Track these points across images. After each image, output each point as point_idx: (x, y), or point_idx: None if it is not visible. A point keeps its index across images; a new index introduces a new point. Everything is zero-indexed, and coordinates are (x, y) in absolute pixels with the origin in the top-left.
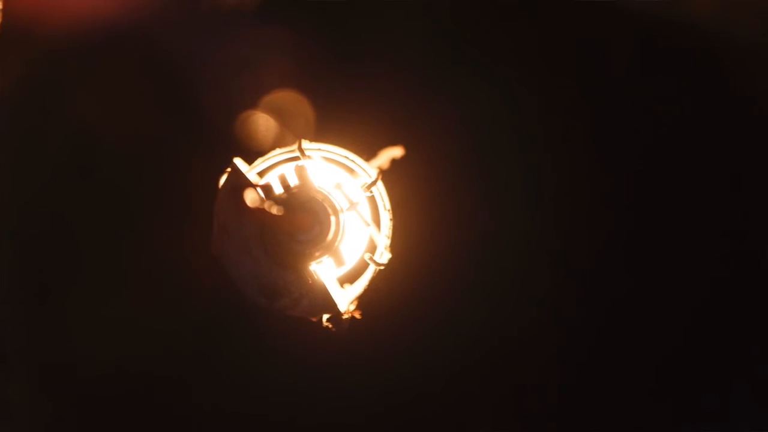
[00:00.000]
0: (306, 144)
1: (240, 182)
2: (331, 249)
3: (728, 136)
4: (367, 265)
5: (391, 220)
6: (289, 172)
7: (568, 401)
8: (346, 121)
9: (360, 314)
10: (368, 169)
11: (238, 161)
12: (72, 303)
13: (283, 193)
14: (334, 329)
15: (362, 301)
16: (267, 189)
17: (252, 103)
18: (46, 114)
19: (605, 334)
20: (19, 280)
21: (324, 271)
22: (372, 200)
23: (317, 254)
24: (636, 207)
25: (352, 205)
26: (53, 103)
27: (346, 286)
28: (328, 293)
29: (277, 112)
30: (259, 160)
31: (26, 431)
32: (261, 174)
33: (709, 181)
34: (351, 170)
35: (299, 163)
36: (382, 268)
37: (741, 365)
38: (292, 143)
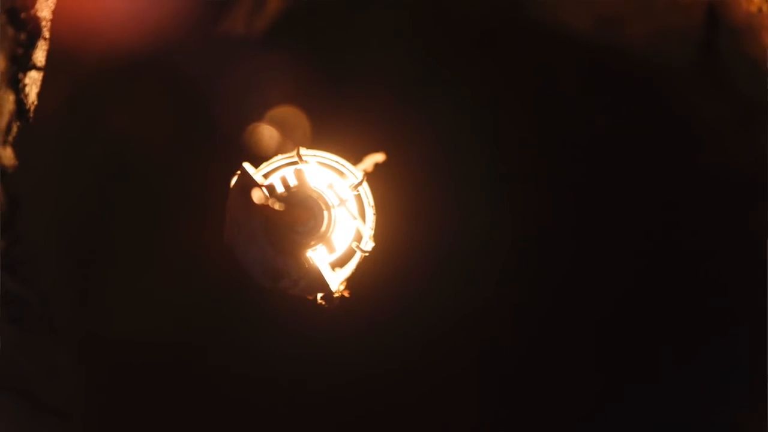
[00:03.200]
0: (303, 151)
1: (248, 183)
2: (324, 238)
3: (658, 146)
4: (354, 252)
5: (374, 214)
6: (289, 174)
7: (521, 363)
8: (337, 132)
9: (348, 293)
10: (355, 172)
11: (247, 165)
12: (110, 285)
13: (284, 191)
14: (327, 306)
15: (350, 282)
16: (271, 188)
17: (258, 117)
18: (87, 126)
19: (554, 308)
20: (67, 266)
21: (318, 257)
22: (358, 198)
23: (313, 243)
24: (580, 204)
25: (342, 201)
26: (93, 117)
27: (337, 269)
28: (322, 275)
29: (279, 125)
30: (264, 164)
31: (72, 392)
32: (266, 176)
33: (641, 185)
34: (341, 173)
35: (298, 166)
36: (367, 254)
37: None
38: (292, 150)
